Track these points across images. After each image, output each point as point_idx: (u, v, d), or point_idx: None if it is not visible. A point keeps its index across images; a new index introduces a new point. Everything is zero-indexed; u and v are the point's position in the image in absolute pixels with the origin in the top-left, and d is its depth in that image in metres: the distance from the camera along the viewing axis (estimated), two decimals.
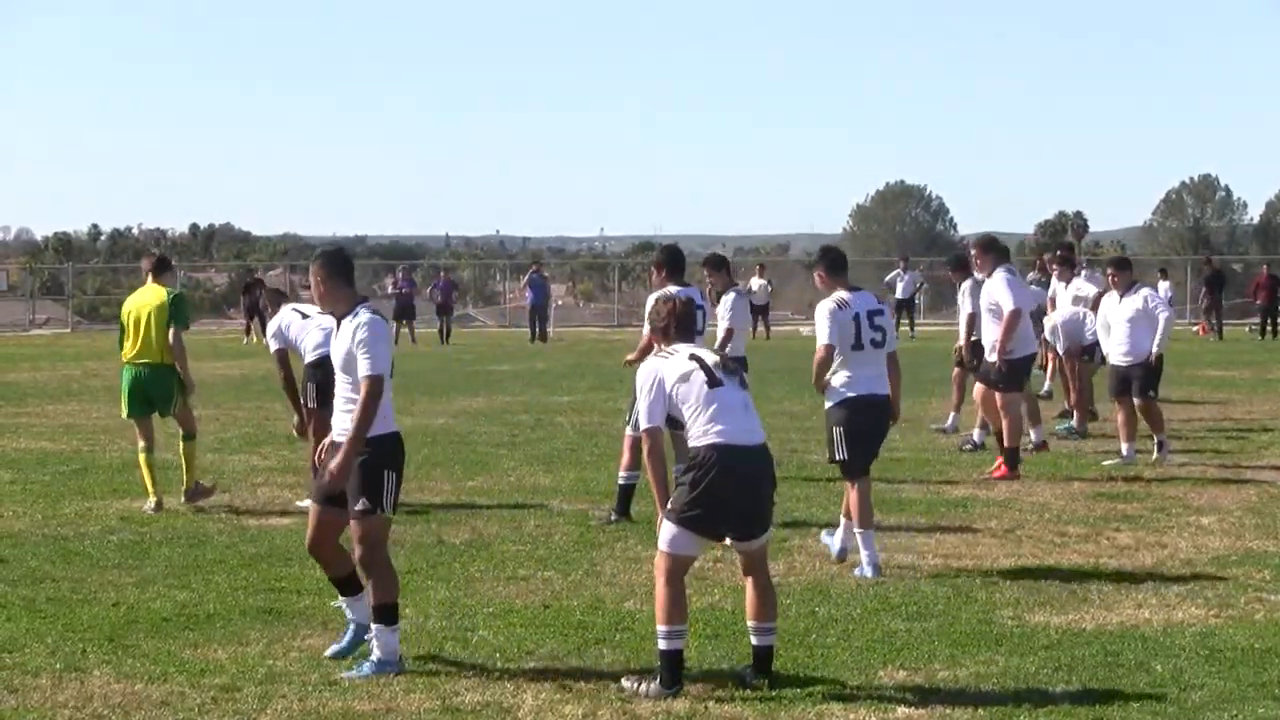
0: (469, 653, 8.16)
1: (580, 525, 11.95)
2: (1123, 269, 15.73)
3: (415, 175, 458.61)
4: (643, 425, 7.72)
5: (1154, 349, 15.20)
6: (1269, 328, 42.31)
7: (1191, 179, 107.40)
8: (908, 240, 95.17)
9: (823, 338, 10.27)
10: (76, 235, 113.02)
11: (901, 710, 7.15)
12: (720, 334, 13.23)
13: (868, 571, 10.05)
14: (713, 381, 7.56)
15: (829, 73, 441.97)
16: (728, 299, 13.32)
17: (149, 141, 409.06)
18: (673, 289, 12.16)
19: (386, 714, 7.15)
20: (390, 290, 44.57)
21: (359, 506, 7.78)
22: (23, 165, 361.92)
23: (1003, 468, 14.41)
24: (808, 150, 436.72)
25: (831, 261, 10.60)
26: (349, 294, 8.05)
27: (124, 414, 13.41)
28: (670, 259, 12.39)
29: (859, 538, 10.19)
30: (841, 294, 10.39)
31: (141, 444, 13.01)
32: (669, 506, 7.54)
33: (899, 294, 43.47)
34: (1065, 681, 7.57)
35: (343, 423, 7.85)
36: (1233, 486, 13.84)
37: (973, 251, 15.51)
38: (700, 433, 7.52)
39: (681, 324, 7.97)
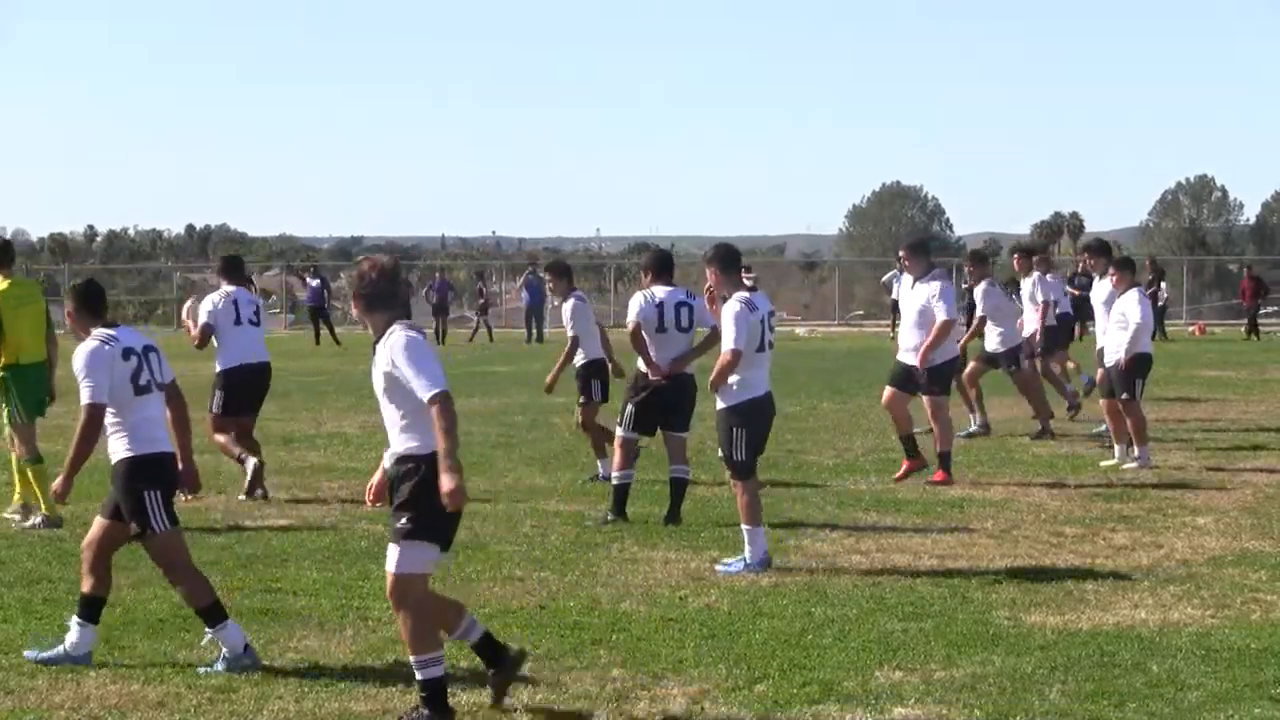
0: (465, 654, 8.15)
1: (576, 526, 11.95)
2: (1123, 269, 15.60)
3: (411, 176, 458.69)
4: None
5: (1120, 354, 15.04)
6: (1255, 328, 42.34)
7: (1188, 179, 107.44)
8: (904, 241, 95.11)
9: (731, 342, 10.21)
10: (72, 236, 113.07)
11: (898, 710, 7.16)
12: (569, 341, 14.11)
13: (748, 566, 10.14)
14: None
15: (825, 73, 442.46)
16: (568, 306, 14.14)
17: (145, 142, 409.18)
18: (659, 291, 12.16)
19: (383, 715, 7.15)
20: None
21: (133, 531, 8.01)
22: (18, 166, 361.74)
23: (939, 472, 14.08)
24: (804, 151, 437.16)
25: (725, 259, 10.55)
26: (91, 323, 8.19)
27: (27, 420, 12.21)
28: (657, 262, 12.45)
29: (746, 534, 10.28)
30: (744, 294, 10.44)
31: (25, 451, 12.17)
32: (414, 524, 6.89)
33: (895, 295, 43.51)
34: (1061, 681, 7.57)
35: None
36: (1229, 487, 13.85)
37: (900, 254, 14.91)
38: (420, 438, 6.91)
39: (394, 291, 7.18)
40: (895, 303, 43.47)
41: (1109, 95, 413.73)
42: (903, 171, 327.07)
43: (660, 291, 12.21)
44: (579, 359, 14.26)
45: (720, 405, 10.39)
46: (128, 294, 71.24)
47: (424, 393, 6.84)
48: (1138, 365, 15.15)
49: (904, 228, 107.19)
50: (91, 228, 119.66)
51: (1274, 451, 16.38)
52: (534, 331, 43.15)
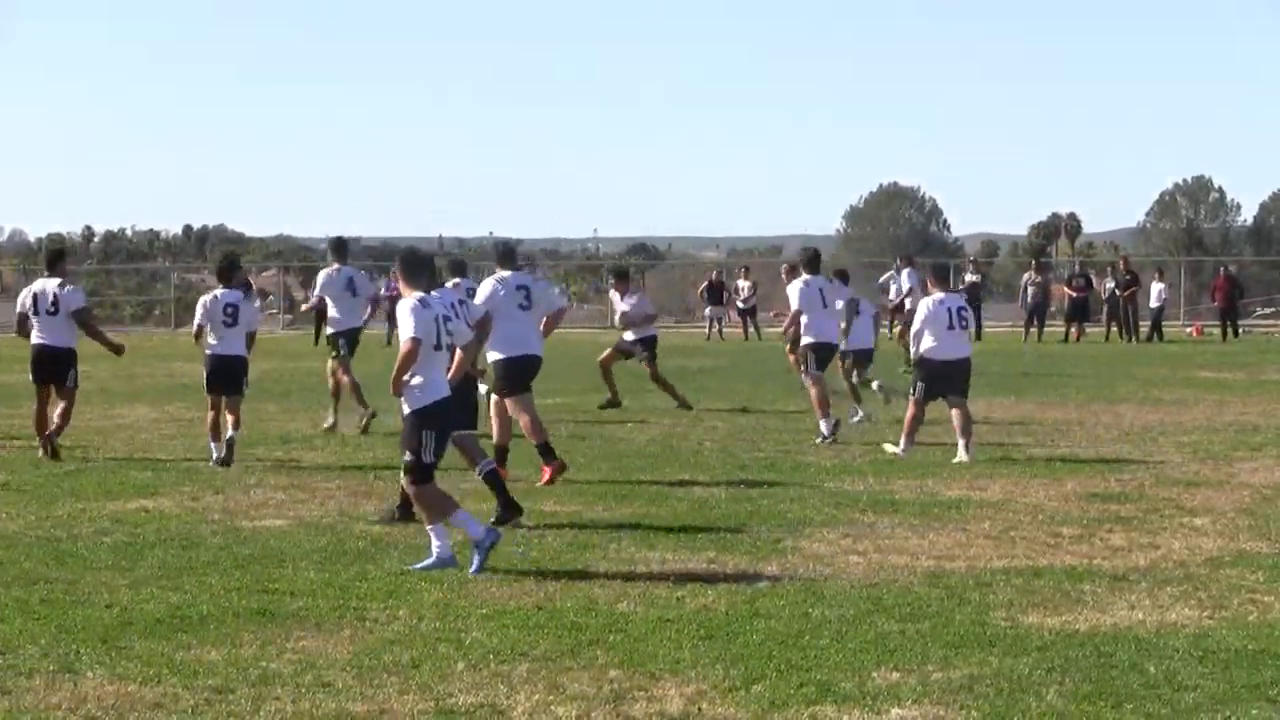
0: (462, 654, 8.16)
1: (574, 527, 11.95)
2: (937, 274, 16.72)
3: (409, 176, 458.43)
4: None
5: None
6: (1228, 328, 42.34)
7: (1185, 180, 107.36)
8: (901, 242, 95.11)
9: (410, 330, 10.34)
10: (70, 237, 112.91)
11: (895, 711, 7.16)
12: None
13: (440, 561, 10.32)
14: None
15: (822, 74, 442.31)
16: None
17: (142, 143, 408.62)
18: (419, 294, 11.63)
19: (380, 715, 7.15)
20: (383, 292, 44.41)
21: None
22: (16, 167, 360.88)
23: (545, 470, 14.15)
24: (801, 151, 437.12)
25: (407, 263, 10.85)
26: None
27: None
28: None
29: (432, 533, 10.43)
30: (420, 294, 10.62)
31: None
32: None
33: (893, 296, 43.51)
34: (1058, 682, 7.57)
35: None
36: (1226, 488, 13.86)
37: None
38: None
39: None
40: (892, 304, 43.62)
41: (1106, 96, 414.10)
42: (900, 172, 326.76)
43: (422, 296, 12.35)
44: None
45: (406, 410, 10.45)
46: (125, 294, 71.20)
47: None
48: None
49: (902, 229, 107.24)
50: (89, 228, 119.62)
51: (1271, 453, 16.40)
52: None
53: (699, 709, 7.21)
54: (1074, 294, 42.36)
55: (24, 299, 16.82)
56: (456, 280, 14.88)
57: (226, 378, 15.93)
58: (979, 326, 43.24)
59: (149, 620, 8.94)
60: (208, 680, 7.66)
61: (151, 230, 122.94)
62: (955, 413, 15.92)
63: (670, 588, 9.75)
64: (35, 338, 16.74)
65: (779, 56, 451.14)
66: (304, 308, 25.72)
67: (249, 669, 7.87)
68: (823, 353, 17.93)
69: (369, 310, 19.56)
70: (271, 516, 12.55)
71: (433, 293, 11.16)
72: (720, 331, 44.73)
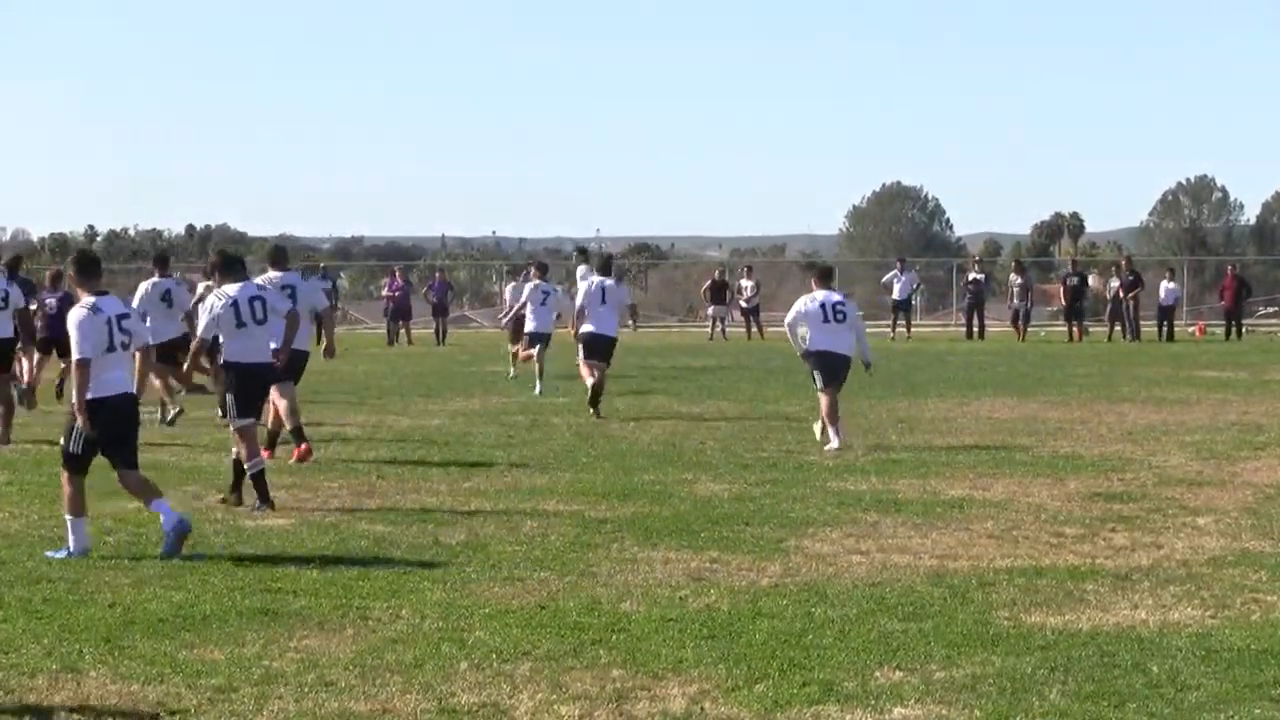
0: (465, 653, 8.16)
1: (576, 526, 11.95)
2: (819, 275, 18.14)
3: (412, 176, 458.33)
4: None
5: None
6: (1234, 328, 42.41)
7: (1188, 179, 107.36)
8: (904, 241, 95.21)
9: (77, 351, 10.72)
10: (73, 236, 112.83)
11: (898, 711, 7.15)
12: None
13: (70, 554, 10.68)
14: None
15: (825, 73, 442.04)
16: None
17: (145, 142, 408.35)
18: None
19: (383, 715, 7.15)
20: (386, 292, 44.47)
21: None
22: (19, 166, 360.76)
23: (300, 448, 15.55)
24: (804, 151, 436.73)
25: (80, 265, 11.15)
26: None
27: None
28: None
29: (70, 524, 10.81)
30: (91, 299, 10.89)
31: None
32: None
33: (896, 295, 43.55)
34: (1061, 682, 7.57)
35: None
36: (1229, 487, 13.85)
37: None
38: None
39: None
40: (895, 303, 43.66)
41: (1109, 95, 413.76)
42: (903, 172, 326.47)
43: (233, 289, 12.92)
44: None
45: (74, 400, 10.85)
46: (128, 293, 71.28)
47: None
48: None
49: (904, 228, 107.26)
50: (92, 227, 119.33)
51: (1275, 452, 16.39)
52: None
53: (702, 708, 7.21)
54: (1071, 293, 42.47)
55: None
56: (273, 274, 15.49)
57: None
58: (982, 326, 43.33)
59: (152, 619, 8.94)
60: (211, 679, 7.66)
61: (154, 229, 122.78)
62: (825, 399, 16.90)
63: (673, 587, 9.75)
64: None
65: (781, 56, 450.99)
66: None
67: (252, 668, 7.87)
68: (591, 341, 20.16)
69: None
70: (274, 515, 12.55)
71: (260, 280, 13.17)
72: (723, 331, 44.71)
